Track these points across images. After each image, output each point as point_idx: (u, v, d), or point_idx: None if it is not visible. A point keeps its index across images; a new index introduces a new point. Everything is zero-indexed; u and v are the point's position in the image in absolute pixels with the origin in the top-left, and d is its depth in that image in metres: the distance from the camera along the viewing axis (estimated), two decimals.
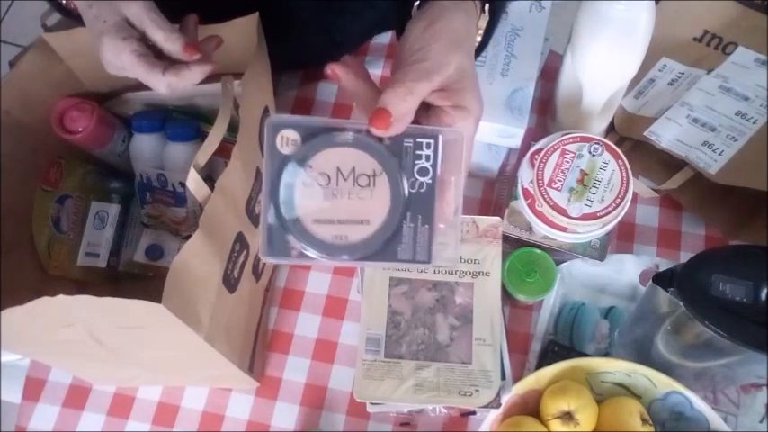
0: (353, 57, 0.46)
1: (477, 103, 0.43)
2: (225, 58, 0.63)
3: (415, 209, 0.41)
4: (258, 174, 0.61)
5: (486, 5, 0.50)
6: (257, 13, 0.59)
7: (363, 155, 0.40)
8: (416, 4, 0.49)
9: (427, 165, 0.41)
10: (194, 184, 0.52)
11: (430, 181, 0.41)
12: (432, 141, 0.41)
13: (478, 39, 0.51)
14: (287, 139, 0.40)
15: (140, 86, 0.67)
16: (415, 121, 0.41)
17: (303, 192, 0.40)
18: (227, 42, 0.60)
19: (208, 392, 0.70)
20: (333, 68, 0.43)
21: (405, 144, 0.41)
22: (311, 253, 0.40)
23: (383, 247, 0.41)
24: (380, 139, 0.40)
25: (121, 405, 0.70)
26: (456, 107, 0.42)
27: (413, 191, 0.41)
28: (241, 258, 0.59)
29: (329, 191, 0.40)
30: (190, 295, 0.49)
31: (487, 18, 0.50)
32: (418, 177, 0.41)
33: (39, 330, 0.50)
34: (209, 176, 0.66)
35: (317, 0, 0.73)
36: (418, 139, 0.41)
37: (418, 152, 0.41)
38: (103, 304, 0.43)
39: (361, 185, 0.40)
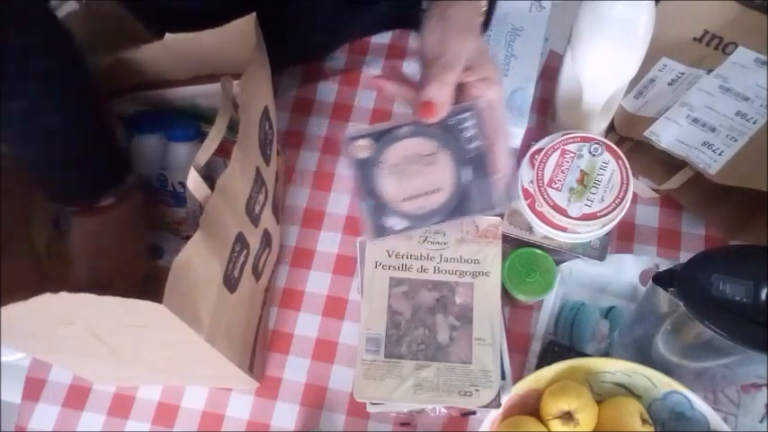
0: (390, 66, 0.55)
1: (495, 71, 0.51)
2: (224, 59, 0.63)
3: (474, 169, 0.51)
4: (258, 174, 0.61)
5: None
6: (254, 13, 0.59)
7: (421, 140, 0.51)
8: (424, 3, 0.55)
9: (473, 133, 0.51)
10: (195, 184, 0.52)
11: (479, 144, 0.51)
12: (470, 113, 0.51)
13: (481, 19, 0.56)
14: (361, 147, 0.51)
15: (140, 86, 0.67)
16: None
17: (384, 182, 0.51)
18: (226, 43, 0.61)
19: (208, 392, 0.70)
20: (376, 82, 0.53)
21: (450, 123, 0.50)
22: (405, 225, 0.51)
23: (458, 205, 0.51)
24: (430, 125, 0.50)
25: (121, 405, 0.70)
26: (481, 80, 0.51)
27: (468, 156, 0.51)
28: (241, 258, 0.59)
29: (404, 175, 0.51)
30: (190, 295, 0.49)
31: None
32: (468, 144, 0.51)
33: (39, 327, 0.50)
34: (209, 176, 0.66)
35: (318, 0, 0.74)
36: (460, 116, 0.50)
37: (462, 125, 0.51)
38: (105, 303, 0.43)
39: (426, 163, 0.51)
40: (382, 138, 0.51)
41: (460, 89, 0.51)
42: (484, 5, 0.55)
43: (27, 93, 0.51)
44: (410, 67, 0.84)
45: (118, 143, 0.61)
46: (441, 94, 0.48)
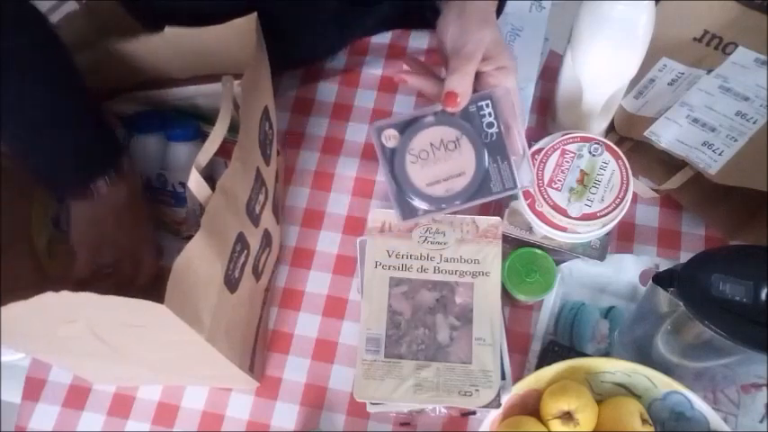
0: (412, 58, 0.60)
1: (511, 60, 0.55)
2: (224, 59, 0.63)
3: (493, 153, 0.56)
4: (258, 174, 0.61)
5: None
6: (255, 13, 0.59)
7: (444, 128, 0.55)
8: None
9: (491, 119, 0.55)
10: (196, 184, 0.52)
11: (497, 129, 0.56)
12: (488, 101, 0.55)
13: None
14: (389, 137, 0.55)
15: (140, 86, 0.67)
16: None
17: (412, 168, 0.55)
18: (227, 42, 0.61)
19: (208, 392, 0.70)
20: (400, 77, 0.58)
21: (470, 110, 0.55)
22: (432, 207, 0.56)
23: (480, 187, 0.56)
24: (453, 113, 0.54)
25: (121, 405, 0.70)
26: (498, 69, 0.55)
27: (487, 141, 0.56)
28: (242, 258, 0.59)
29: (430, 161, 0.55)
30: (191, 295, 0.49)
31: None
32: (487, 130, 0.55)
33: (40, 326, 0.50)
34: (210, 176, 0.66)
35: (319, 3, 0.74)
36: (478, 103, 0.55)
37: (481, 113, 0.55)
38: (107, 302, 0.43)
39: (450, 150, 0.55)
40: (408, 128, 0.55)
41: (478, 77, 0.55)
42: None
43: (9, 82, 0.52)
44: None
45: (107, 127, 0.60)
46: (462, 84, 0.52)
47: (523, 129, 0.71)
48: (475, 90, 0.55)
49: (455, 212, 0.60)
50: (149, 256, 0.63)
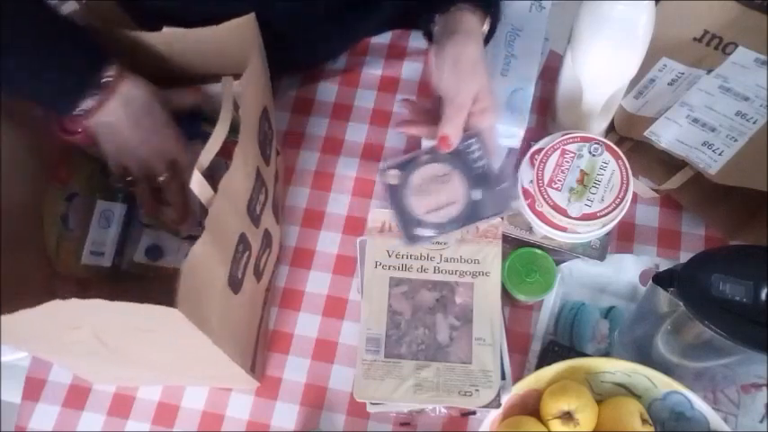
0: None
1: (492, 102, 0.62)
2: (223, 59, 0.63)
3: (481, 183, 0.63)
4: (258, 174, 0.61)
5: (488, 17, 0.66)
6: (253, 13, 0.59)
7: (438, 165, 0.64)
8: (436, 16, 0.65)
9: (479, 154, 0.63)
10: (198, 185, 0.52)
11: (484, 162, 0.63)
12: (475, 139, 0.63)
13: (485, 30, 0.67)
14: (392, 175, 0.64)
15: None
16: None
17: (412, 200, 0.64)
18: (225, 43, 0.60)
19: (208, 392, 0.70)
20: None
21: (459, 148, 0.62)
22: (431, 233, 0.63)
23: (471, 212, 0.63)
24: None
25: (121, 405, 0.70)
26: (481, 110, 0.62)
27: (478, 172, 0.63)
28: (244, 259, 0.59)
29: (426, 193, 0.64)
30: (200, 298, 0.49)
31: (489, 22, 0.67)
32: (476, 164, 0.63)
33: (45, 331, 0.50)
34: (210, 176, 0.66)
35: (317, 6, 0.74)
36: (466, 142, 0.63)
37: (470, 149, 0.63)
38: (116, 308, 0.43)
39: (442, 182, 0.63)
40: (407, 166, 0.64)
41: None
42: (486, 29, 0.66)
43: None
44: (410, 69, 0.84)
45: (87, 39, 0.59)
46: (454, 130, 0.60)
47: (523, 130, 0.72)
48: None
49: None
50: (182, 153, 0.63)
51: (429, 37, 0.68)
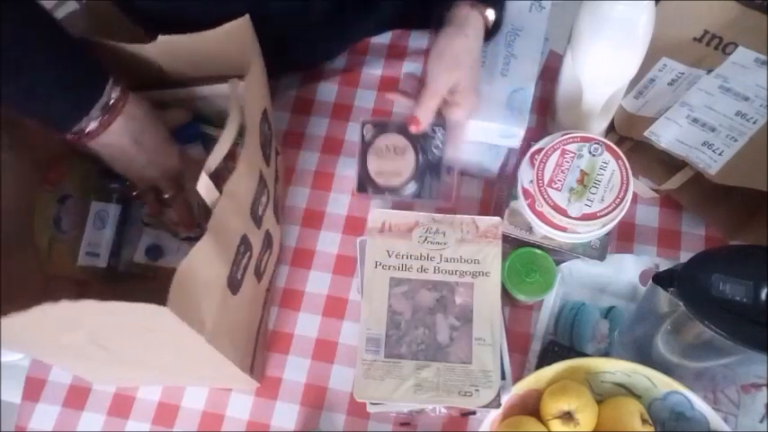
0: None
1: (469, 98, 0.66)
2: (220, 61, 0.63)
3: (433, 168, 0.69)
4: (261, 177, 0.61)
5: (491, 11, 0.69)
6: (248, 16, 0.59)
7: (400, 137, 0.69)
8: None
9: (439, 143, 0.68)
10: (205, 189, 0.51)
11: (439, 153, 0.69)
12: (440, 128, 0.68)
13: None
14: (367, 129, 0.70)
15: (138, 88, 0.67)
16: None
17: (372, 159, 0.70)
18: (222, 45, 0.60)
19: (208, 392, 0.70)
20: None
21: (426, 132, 0.68)
22: (373, 193, 0.70)
23: (407, 189, 0.69)
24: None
25: (121, 405, 0.70)
26: (455, 103, 0.66)
27: (431, 157, 0.69)
28: (245, 260, 0.59)
29: (382, 156, 0.70)
30: (195, 298, 0.49)
31: (494, 16, 0.70)
32: (434, 150, 0.69)
33: (40, 334, 0.50)
34: (213, 177, 0.66)
35: (315, 6, 0.74)
36: (434, 127, 0.68)
37: (434, 135, 0.69)
38: (107, 308, 0.43)
39: (396, 153, 0.69)
40: (378, 126, 0.70)
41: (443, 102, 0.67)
42: (491, 19, 0.69)
43: None
44: (410, 69, 0.84)
45: (88, 60, 0.58)
46: (425, 114, 0.65)
47: (523, 130, 0.72)
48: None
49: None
50: (185, 169, 0.64)
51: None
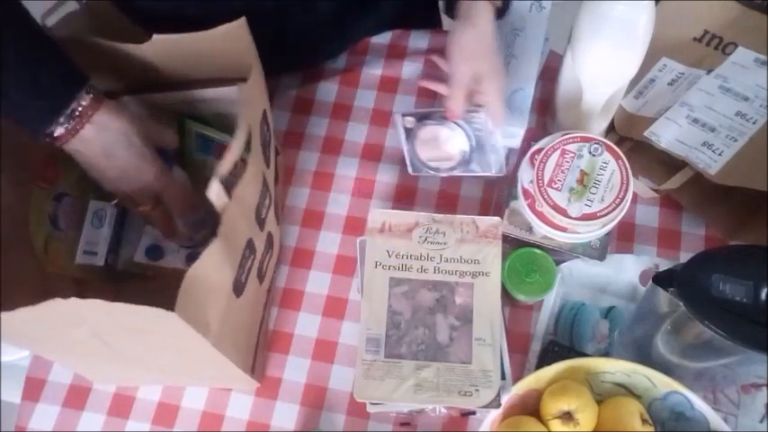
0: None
1: (493, 86, 0.67)
2: (219, 63, 0.62)
3: (479, 147, 0.72)
4: (264, 181, 0.61)
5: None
6: (244, 18, 0.59)
7: (443, 127, 0.72)
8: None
9: (479, 124, 0.70)
10: (216, 195, 0.51)
11: (481, 131, 0.71)
12: (480, 110, 0.69)
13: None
14: (408, 121, 0.72)
15: (138, 90, 0.67)
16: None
17: (420, 147, 0.74)
18: (221, 47, 0.60)
19: (208, 392, 0.70)
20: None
21: (465, 117, 0.70)
22: (429, 171, 0.76)
23: (461, 166, 0.74)
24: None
25: (121, 405, 0.70)
26: (481, 91, 0.68)
27: (476, 137, 0.72)
28: (249, 263, 0.59)
29: (429, 146, 0.74)
30: (202, 302, 0.49)
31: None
32: (477, 132, 0.71)
33: (45, 330, 0.50)
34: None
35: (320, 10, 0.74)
36: (470, 113, 0.70)
37: (473, 117, 0.70)
38: (114, 309, 0.43)
39: (442, 141, 0.73)
40: (421, 119, 0.72)
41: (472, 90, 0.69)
42: (499, 4, 0.70)
43: None
44: (410, 68, 0.84)
45: (64, 65, 0.56)
46: (455, 105, 0.68)
47: (523, 130, 0.72)
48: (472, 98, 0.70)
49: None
50: (163, 187, 0.61)
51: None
